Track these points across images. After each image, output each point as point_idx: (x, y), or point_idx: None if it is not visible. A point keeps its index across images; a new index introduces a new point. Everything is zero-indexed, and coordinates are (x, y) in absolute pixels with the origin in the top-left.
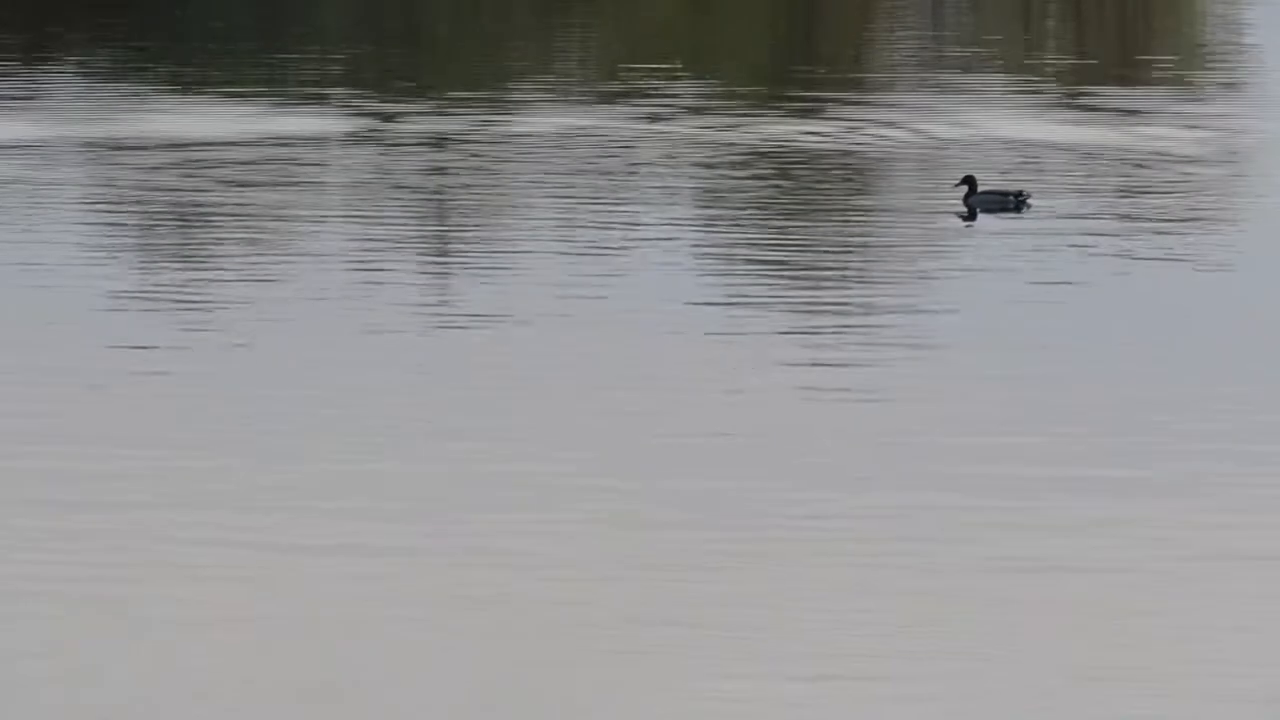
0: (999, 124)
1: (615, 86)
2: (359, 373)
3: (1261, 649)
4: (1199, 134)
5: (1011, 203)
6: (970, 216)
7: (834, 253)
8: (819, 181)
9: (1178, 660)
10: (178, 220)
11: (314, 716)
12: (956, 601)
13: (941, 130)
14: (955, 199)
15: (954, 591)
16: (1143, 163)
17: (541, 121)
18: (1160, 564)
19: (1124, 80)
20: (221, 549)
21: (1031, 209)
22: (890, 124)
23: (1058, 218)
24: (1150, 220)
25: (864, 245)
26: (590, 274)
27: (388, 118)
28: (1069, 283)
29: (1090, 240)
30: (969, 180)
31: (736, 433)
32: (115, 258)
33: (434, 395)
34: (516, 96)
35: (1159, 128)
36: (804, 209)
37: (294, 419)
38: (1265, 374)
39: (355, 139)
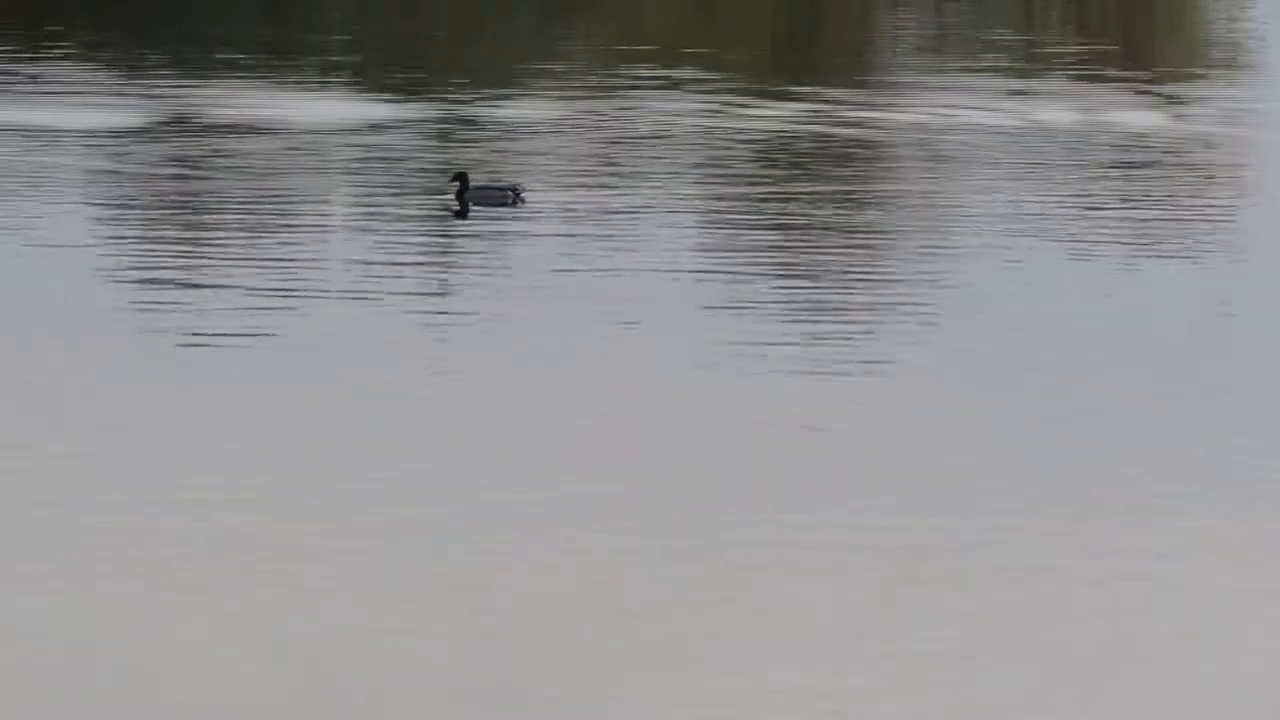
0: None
1: (617, 79)
2: (357, 370)
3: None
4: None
5: (509, 198)
6: (462, 212)
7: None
8: (820, 170)
9: (1181, 666)
10: (182, 208)
11: (309, 716)
12: (954, 606)
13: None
14: (450, 194)
15: (953, 599)
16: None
17: (544, 113)
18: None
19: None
20: (213, 548)
21: (526, 204)
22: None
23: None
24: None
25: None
26: (590, 269)
27: (390, 107)
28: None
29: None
30: (461, 176)
31: (735, 431)
32: (119, 245)
33: (433, 393)
34: (520, 88)
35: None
36: (809, 198)
37: (292, 416)
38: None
39: (358, 128)
